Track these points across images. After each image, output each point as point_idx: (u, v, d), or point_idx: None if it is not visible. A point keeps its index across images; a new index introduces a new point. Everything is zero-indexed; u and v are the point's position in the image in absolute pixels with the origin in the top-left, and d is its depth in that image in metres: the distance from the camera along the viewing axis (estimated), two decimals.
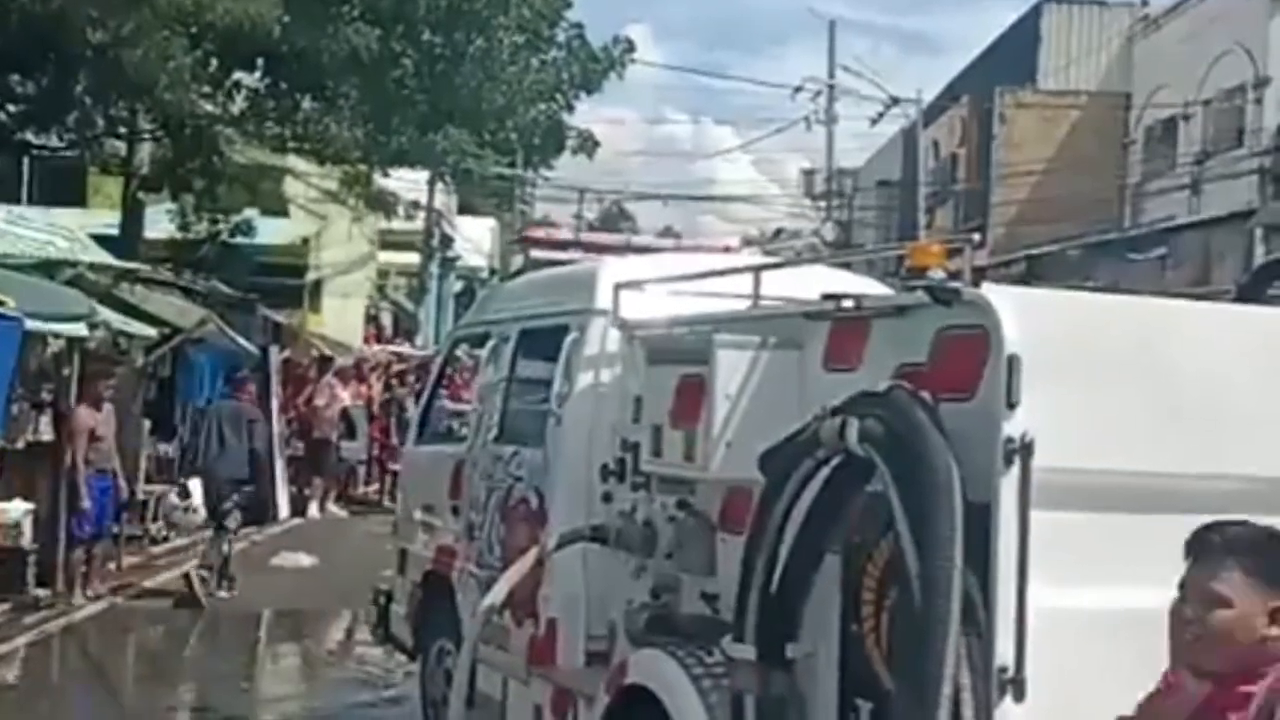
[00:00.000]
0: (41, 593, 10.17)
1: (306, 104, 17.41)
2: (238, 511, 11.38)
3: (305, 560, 12.75)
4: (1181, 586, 2.60)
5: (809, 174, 34.00)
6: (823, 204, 32.35)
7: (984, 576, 3.24)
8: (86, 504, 10.35)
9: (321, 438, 16.40)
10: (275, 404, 15.49)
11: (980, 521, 3.24)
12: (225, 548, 11.17)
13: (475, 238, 36.46)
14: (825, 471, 3.62)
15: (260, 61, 16.70)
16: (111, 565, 11.33)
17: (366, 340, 26.44)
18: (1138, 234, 20.88)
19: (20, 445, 10.42)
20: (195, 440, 12.32)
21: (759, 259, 6.29)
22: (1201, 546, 2.64)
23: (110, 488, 10.75)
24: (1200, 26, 20.71)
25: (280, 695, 8.45)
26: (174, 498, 12.48)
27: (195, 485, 11.93)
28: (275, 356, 16.20)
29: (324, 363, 17.98)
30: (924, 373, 3.54)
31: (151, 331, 12.60)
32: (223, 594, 10.92)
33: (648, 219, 43.43)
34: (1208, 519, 3.50)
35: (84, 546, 10.50)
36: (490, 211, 38.07)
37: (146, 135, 17.42)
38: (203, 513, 11.83)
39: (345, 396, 17.13)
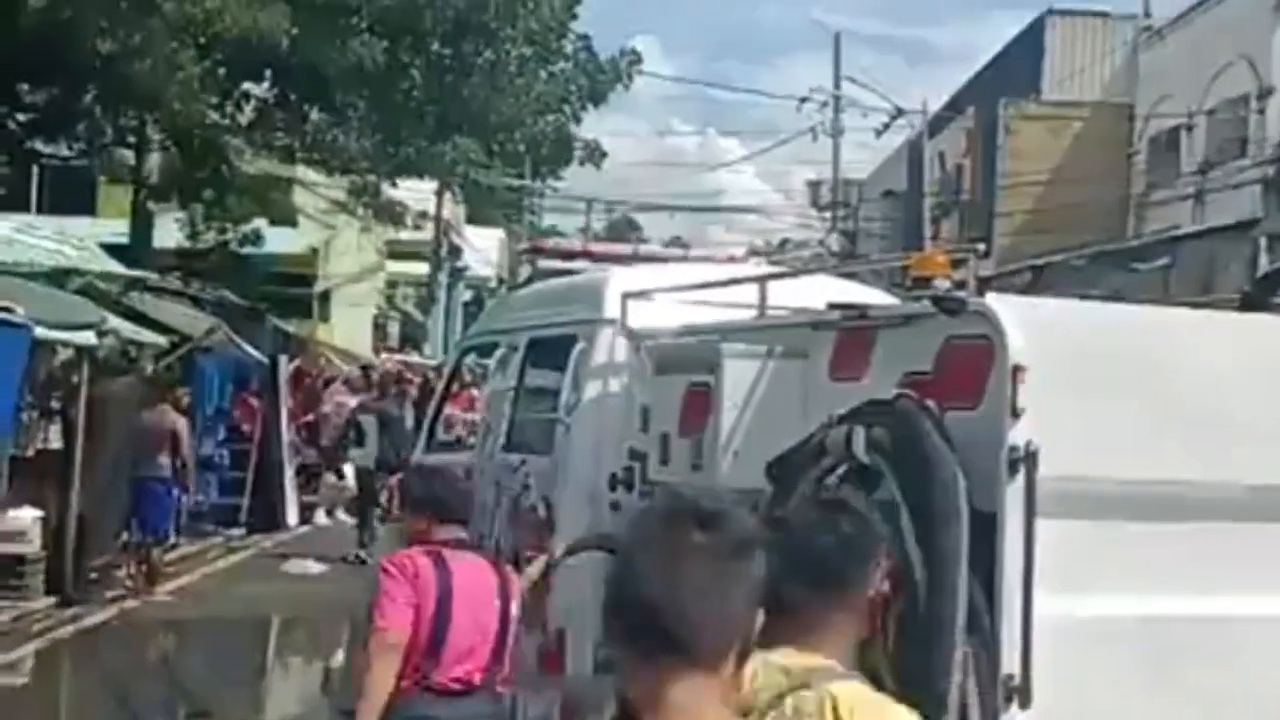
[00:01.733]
0: (52, 598, 10.21)
1: (315, 114, 17.51)
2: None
3: (314, 567, 12.80)
4: None
5: (815, 185, 33.98)
6: (828, 214, 32.36)
7: (989, 585, 3.26)
8: (200, 497, 11.30)
9: (329, 446, 16.43)
10: (285, 413, 15.53)
11: (986, 530, 3.26)
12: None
13: (483, 248, 36.53)
14: (832, 480, 3.65)
15: (269, 72, 16.79)
16: (120, 571, 11.38)
17: (376, 350, 26.50)
18: (1142, 244, 20.86)
19: (30, 453, 10.48)
20: (354, 433, 14.47)
21: (765, 269, 6.32)
22: None
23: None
24: (1204, 37, 20.72)
25: (287, 700, 8.48)
26: (332, 477, 15.19)
27: (349, 469, 14.47)
28: (285, 366, 16.25)
29: (365, 372, 18.26)
30: (929, 382, 3.57)
31: (161, 340, 12.67)
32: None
33: (655, 229, 43.46)
34: (1212, 527, 3.54)
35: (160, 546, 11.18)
36: (498, 222, 38.14)
37: (155, 145, 17.50)
38: (353, 490, 14.19)
39: (353, 405, 17.14)
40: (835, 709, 2.23)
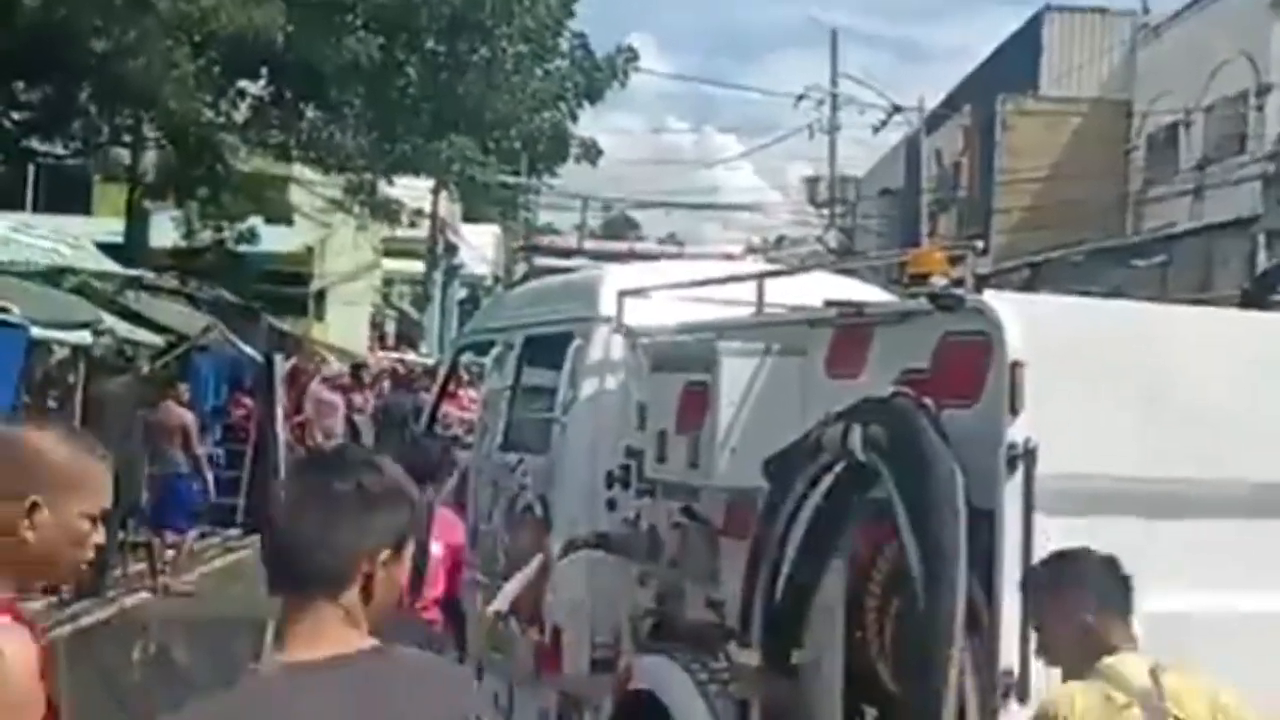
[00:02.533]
0: (50, 598, 10.17)
1: (310, 112, 17.49)
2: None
3: None
4: None
5: (812, 182, 33.94)
6: (826, 212, 32.34)
7: (988, 581, 3.25)
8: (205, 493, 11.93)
9: (315, 446, 16.38)
10: (280, 412, 15.48)
11: (984, 527, 3.25)
12: None
13: (479, 245, 36.48)
14: (829, 478, 3.64)
15: (264, 70, 16.77)
16: (118, 571, 11.35)
17: (371, 348, 26.47)
18: (1140, 240, 20.86)
19: None
20: (350, 433, 15.27)
21: (762, 266, 6.31)
22: None
23: None
24: (1202, 34, 20.71)
25: None
26: None
27: None
28: (281, 365, 16.21)
29: (356, 370, 18.20)
30: (927, 379, 3.56)
31: (157, 339, 12.65)
32: None
33: (651, 227, 43.51)
34: (1210, 524, 3.54)
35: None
36: (494, 219, 38.11)
37: (151, 143, 17.48)
38: None
39: (340, 403, 17.06)
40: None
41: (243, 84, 17.01)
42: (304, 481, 2.01)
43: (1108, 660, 2.97)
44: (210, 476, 13.37)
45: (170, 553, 11.57)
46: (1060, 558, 3.11)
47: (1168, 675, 2.98)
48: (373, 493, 1.96)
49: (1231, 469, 3.56)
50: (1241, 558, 3.54)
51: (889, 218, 31.80)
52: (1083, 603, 3.02)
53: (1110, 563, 3.08)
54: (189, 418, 11.67)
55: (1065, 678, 3.04)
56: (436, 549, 5.32)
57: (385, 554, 1.95)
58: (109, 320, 10.85)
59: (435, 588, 5.34)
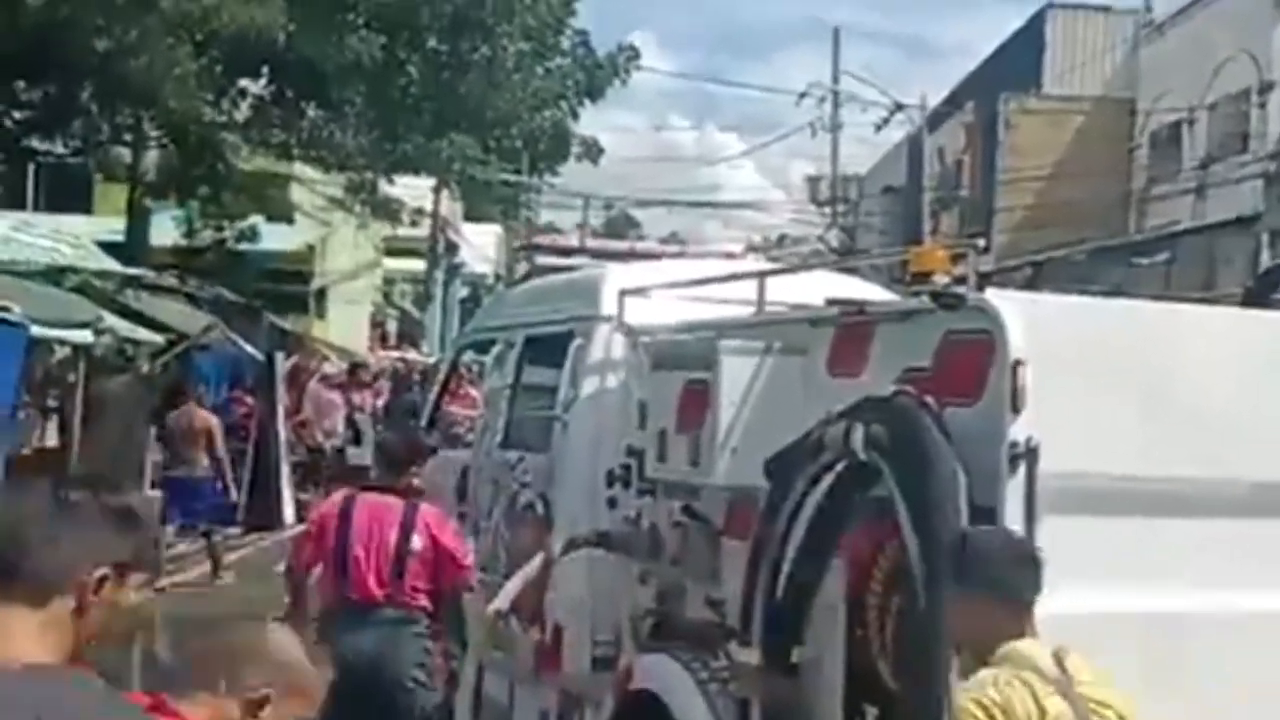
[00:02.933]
0: None
1: (311, 111, 17.49)
2: None
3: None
4: None
5: (814, 180, 33.93)
6: (827, 210, 32.33)
7: None
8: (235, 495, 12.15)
9: (315, 445, 16.38)
10: (281, 410, 15.49)
11: (985, 525, 3.24)
12: None
13: (480, 244, 36.49)
14: (830, 477, 3.63)
15: (265, 69, 16.77)
16: None
17: (372, 347, 26.46)
18: (1142, 239, 20.85)
19: (27, 451, 10.47)
20: (351, 432, 15.61)
21: (763, 265, 6.30)
22: None
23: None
24: (1205, 32, 20.70)
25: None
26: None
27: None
28: (282, 363, 16.21)
29: (354, 369, 18.19)
30: (929, 377, 3.55)
31: (158, 338, 12.65)
32: None
33: (653, 225, 43.56)
34: (1212, 523, 3.53)
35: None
36: (496, 218, 38.13)
37: (152, 142, 17.48)
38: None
39: (340, 402, 17.05)
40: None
41: (244, 83, 17.01)
42: (37, 488, 2.00)
43: (1007, 646, 2.95)
44: (231, 478, 13.44)
45: (178, 547, 11.68)
46: (960, 541, 3.10)
47: (1070, 659, 2.96)
48: (99, 508, 1.93)
49: (1233, 468, 3.55)
50: (1242, 557, 3.53)
51: (891, 216, 31.79)
52: (972, 590, 3.00)
53: (1012, 547, 3.05)
54: (214, 421, 11.82)
55: (963, 665, 3.02)
56: (418, 541, 5.41)
57: (103, 573, 1.90)
58: (109, 319, 10.84)
59: (417, 577, 5.43)
